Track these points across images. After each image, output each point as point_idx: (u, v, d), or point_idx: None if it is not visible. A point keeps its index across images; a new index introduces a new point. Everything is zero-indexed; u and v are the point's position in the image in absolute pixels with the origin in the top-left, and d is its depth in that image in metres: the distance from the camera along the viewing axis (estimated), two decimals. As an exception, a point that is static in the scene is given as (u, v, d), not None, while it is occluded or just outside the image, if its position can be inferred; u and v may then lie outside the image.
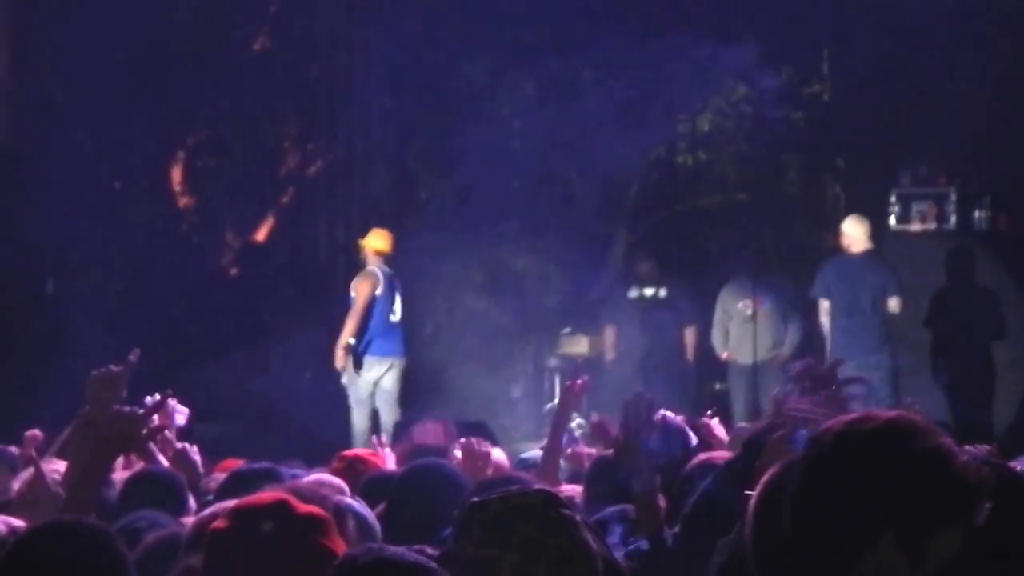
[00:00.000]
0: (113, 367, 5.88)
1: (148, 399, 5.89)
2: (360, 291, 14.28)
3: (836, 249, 15.21)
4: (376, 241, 14.64)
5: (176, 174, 18.68)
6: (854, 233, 14.80)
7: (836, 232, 16.12)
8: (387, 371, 14.49)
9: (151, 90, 17.58)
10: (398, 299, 14.50)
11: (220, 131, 18.92)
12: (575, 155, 20.69)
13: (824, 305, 14.44)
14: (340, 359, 14.20)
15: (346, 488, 5.78)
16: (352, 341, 14.20)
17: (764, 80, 20.33)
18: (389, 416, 14.25)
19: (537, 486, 3.86)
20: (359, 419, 14.27)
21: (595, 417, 10.22)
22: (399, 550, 3.21)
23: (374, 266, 14.38)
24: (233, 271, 18.83)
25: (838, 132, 19.85)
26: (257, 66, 18.96)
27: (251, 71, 18.86)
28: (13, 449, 7.50)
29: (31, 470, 5.45)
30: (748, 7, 19.15)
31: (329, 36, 19.43)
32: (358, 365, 14.26)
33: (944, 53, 16.65)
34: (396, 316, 14.44)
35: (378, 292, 14.28)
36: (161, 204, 18.59)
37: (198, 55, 17.97)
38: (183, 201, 18.72)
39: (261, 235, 18.98)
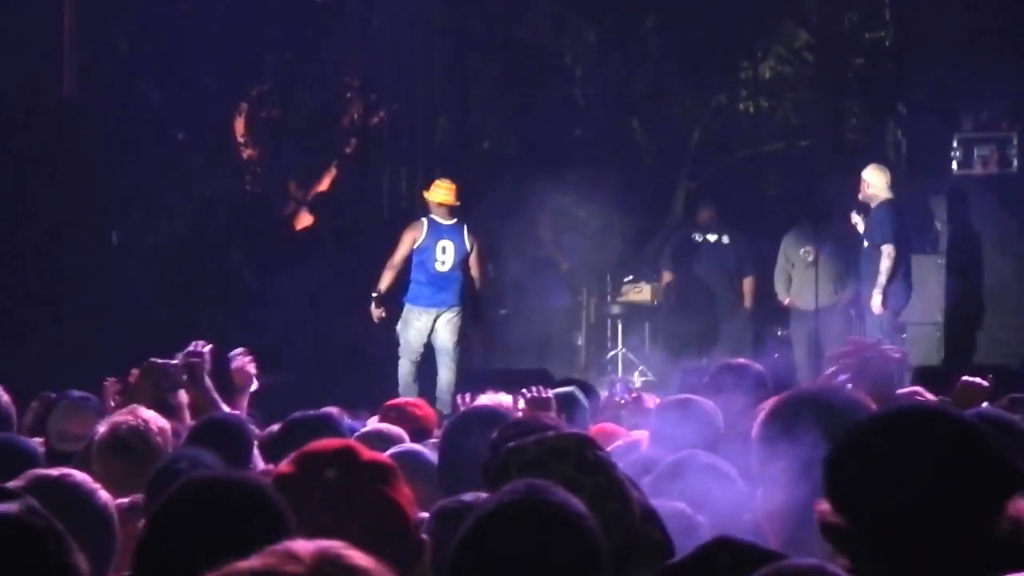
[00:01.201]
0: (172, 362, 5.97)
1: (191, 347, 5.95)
2: (399, 241, 14.23)
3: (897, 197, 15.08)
4: (436, 193, 14.43)
5: (239, 125, 18.82)
6: (877, 182, 14.61)
7: (900, 178, 16.16)
8: (436, 322, 14.25)
9: (215, 42, 17.74)
10: (450, 249, 14.17)
11: (283, 82, 19.08)
12: (636, 104, 20.84)
13: (887, 250, 14.30)
14: (372, 309, 14.21)
15: (405, 436, 5.89)
16: (382, 290, 14.15)
17: (826, 26, 20.41)
18: (445, 375, 14.15)
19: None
20: (404, 369, 14.15)
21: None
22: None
23: (428, 217, 14.22)
24: (295, 221, 19.04)
25: (899, 78, 19.80)
26: (320, 16, 19.10)
27: (314, 21, 19.00)
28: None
29: (115, 415, 5.43)
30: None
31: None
32: (397, 313, 14.21)
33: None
34: (445, 266, 14.12)
35: (419, 243, 14.10)
36: (225, 155, 18.80)
37: (261, 5, 18.12)
38: (247, 152, 18.87)
39: (324, 186, 19.19)
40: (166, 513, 3.31)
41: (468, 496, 3.99)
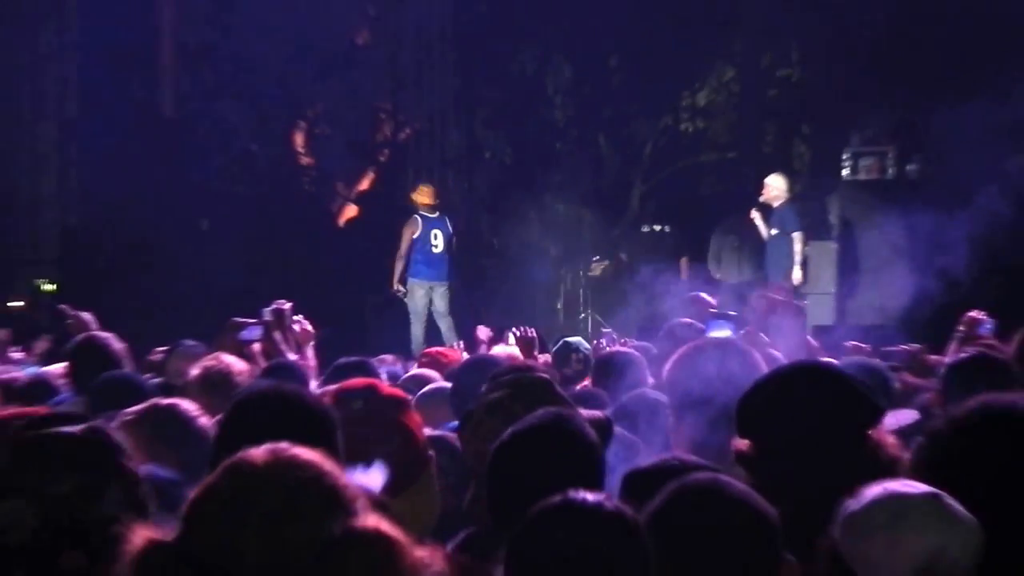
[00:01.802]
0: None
1: (266, 309, 5.97)
2: (402, 234, 14.41)
3: (799, 195, 15.08)
4: (421, 196, 14.70)
5: (298, 139, 18.67)
6: (780, 186, 14.46)
7: (803, 182, 16.16)
8: (432, 291, 14.47)
9: (279, 73, 17.70)
10: (440, 236, 14.38)
11: (332, 106, 18.90)
12: (603, 123, 20.69)
13: (798, 236, 14.18)
14: (395, 286, 14.40)
15: (438, 377, 5.86)
16: (399, 275, 14.34)
17: (747, 65, 20.32)
18: (445, 327, 14.31)
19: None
20: (415, 328, 14.29)
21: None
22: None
23: (417, 213, 14.39)
24: (341, 213, 18.97)
25: (803, 106, 19.69)
26: (360, 55, 18.97)
27: (355, 59, 18.85)
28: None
29: (204, 360, 5.40)
30: (736, 15, 19.15)
31: (415, 32, 19.43)
32: (404, 284, 14.37)
33: (883, 46, 16.58)
34: (438, 248, 14.35)
35: (416, 234, 14.26)
36: (287, 162, 18.67)
37: (315, 46, 17.99)
38: (304, 160, 18.73)
39: (363, 186, 19.04)
40: (234, 413, 3.31)
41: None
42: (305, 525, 1.82)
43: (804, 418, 3.02)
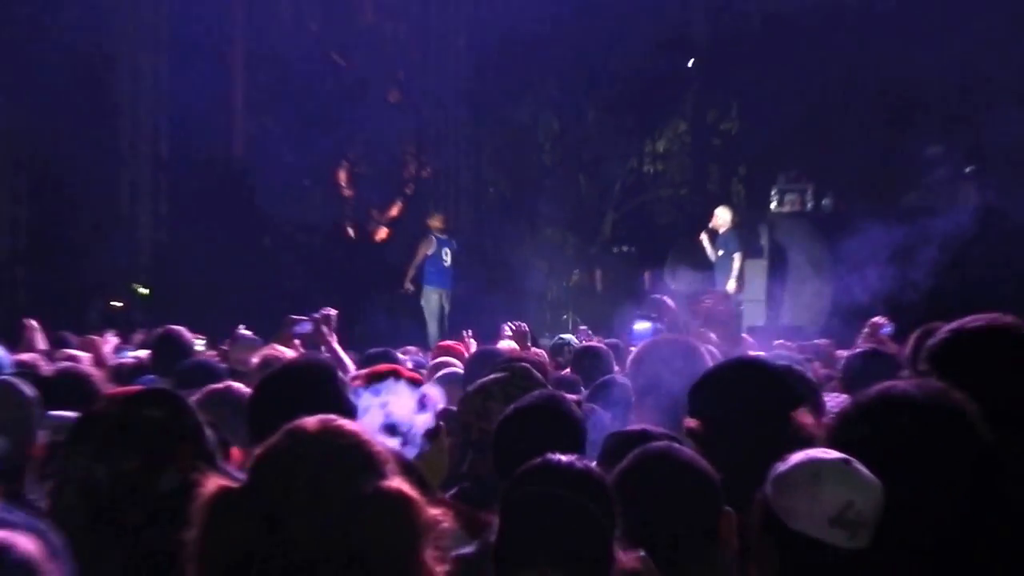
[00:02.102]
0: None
1: (315, 314, 5.91)
2: (418, 249, 14.54)
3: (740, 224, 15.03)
4: (435, 221, 14.82)
5: (342, 176, 18.60)
6: (725, 217, 14.23)
7: (740, 213, 16.13)
8: (442, 298, 14.50)
9: (326, 121, 17.64)
10: (449, 252, 14.50)
11: (369, 149, 18.87)
12: (582, 165, 20.70)
13: (738, 256, 14.12)
14: (406, 285, 14.53)
15: (458, 363, 5.83)
16: (410, 278, 14.46)
17: (697, 119, 20.36)
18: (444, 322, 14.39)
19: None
20: (431, 326, 14.24)
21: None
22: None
23: (432, 235, 14.50)
24: (376, 234, 18.90)
25: (741, 151, 19.73)
26: (391, 109, 18.94)
27: (388, 112, 18.79)
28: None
29: (262, 350, 5.40)
30: (688, 81, 19.20)
31: (436, 93, 19.44)
32: (418, 289, 14.47)
33: (805, 107, 16.62)
34: (447, 263, 14.44)
35: (431, 251, 14.35)
36: (333, 194, 18.63)
37: (354, 101, 17.99)
38: (346, 192, 18.67)
39: (394, 213, 18.98)
40: (266, 381, 3.32)
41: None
42: (343, 482, 1.81)
43: (741, 402, 3.03)
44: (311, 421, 1.91)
